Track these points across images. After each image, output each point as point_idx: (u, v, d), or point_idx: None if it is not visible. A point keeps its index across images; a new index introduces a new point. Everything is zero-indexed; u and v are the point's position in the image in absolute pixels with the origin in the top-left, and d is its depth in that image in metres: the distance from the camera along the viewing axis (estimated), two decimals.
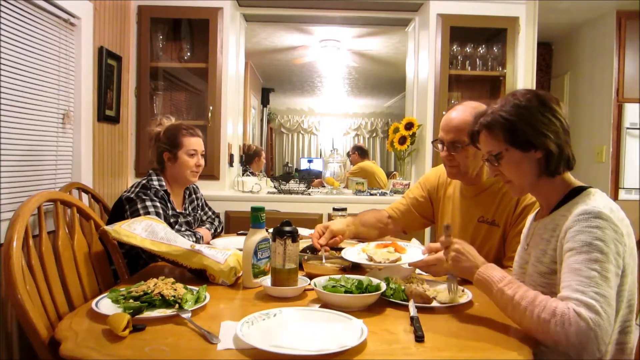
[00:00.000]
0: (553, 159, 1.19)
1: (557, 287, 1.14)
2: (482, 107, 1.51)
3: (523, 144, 1.19)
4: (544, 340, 1.04)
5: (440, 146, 1.70)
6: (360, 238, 1.94)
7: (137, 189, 1.92)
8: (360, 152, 5.43)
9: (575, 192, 1.20)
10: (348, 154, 5.72)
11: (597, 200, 1.15)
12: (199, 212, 2.22)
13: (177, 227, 1.97)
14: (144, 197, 1.88)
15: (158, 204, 1.90)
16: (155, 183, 1.97)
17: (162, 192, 1.96)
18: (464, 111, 1.63)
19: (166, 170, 2.05)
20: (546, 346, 1.06)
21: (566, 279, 1.06)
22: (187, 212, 2.11)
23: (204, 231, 2.08)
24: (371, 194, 3.20)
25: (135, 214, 1.83)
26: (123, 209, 1.87)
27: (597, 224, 1.07)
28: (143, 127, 3.01)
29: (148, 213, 1.83)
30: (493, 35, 3.25)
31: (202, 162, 2.09)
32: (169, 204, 1.98)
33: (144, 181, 1.97)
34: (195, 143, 2.06)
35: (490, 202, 1.66)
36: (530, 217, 1.38)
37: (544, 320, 1.01)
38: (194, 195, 2.21)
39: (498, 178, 1.29)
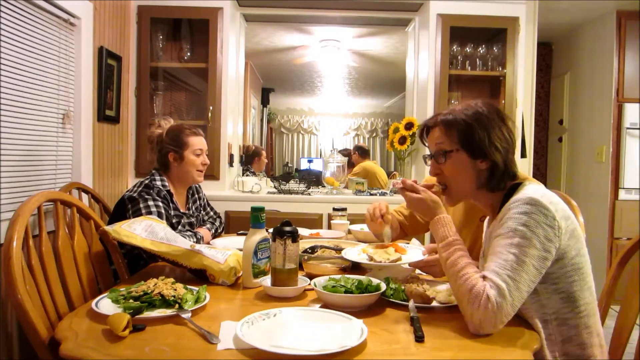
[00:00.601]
0: (497, 174, 1.23)
1: None
2: None
3: (474, 150, 1.23)
4: (459, 306, 1.13)
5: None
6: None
7: (140, 189, 1.92)
8: (360, 152, 5.41)
9: (513, 189, 1.22)
10: (349, 155, 5.68)
11: (529, 188, 1.19)
12: (201, 212, 2.22)
13: (179, 227, 1.97)
14: (146, 196, 1.88)
15: (160, 204, 1.90)
16: (158, 183, 1.97)
17: (165, 192, 1.96)
18: None
19: (171, 170, 2.04)
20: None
21: (489, 260, 1.13)
22: (191, 213, 2.11)
23: (204, 231, 2.08)
24: (371, 194, 3.20)
25: (137, 213, 1.83)
26: (125, 209, 1.87)
27: (524, 210, 1.11)
28: (143, 127, 3.01)
29: (150, 213, 1.83)
30: (493, 35, 3.25)
31: (207, 160, 2.10)
32: (171, 204, 1.98)
33: (146, 181, 1.97)
34: (200, 142, 2.07)
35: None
36: (484, 233, 1.40)
37: (462, 293, 1.10)
38: (196, 195, 2.21)
39: None
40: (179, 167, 2.03)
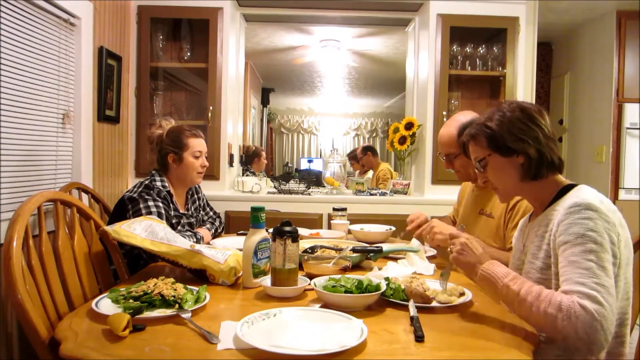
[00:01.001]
0: (533, 163, 1.25)
1: (552, 282, 1.17)
2: (469, 117, 1.77)
3: (504, 150, 1.26)
4: (552, 334, 1.06)
5: (442, 158, 1.95)
6: None
7: (140, 189, 1.92)
8: (373, 153, 5.31)
9: (566, 190, 1.25)
10: (355, 156, 5.61)
11: (587, 193, 1.19)
12: (201, 212, 2.22)
13: (179, 227, 1.98)
14: (146, 196, 1.88)
15: (160, 204, 1.90)
16: (158, 183, 1.97)
17: (165, 192, 1.96)
18: (449, 126, 1.87)
19: (170, 171, 2.04)
20: (555, 340, 1.09)
21: (565, 272, 1.08)
22: (190, 213, 2.11)
23: (204, 231, 2.08)
24: (371, 194, 3.20)
25: (137, 213, 1.83)
26: (125, 209, 1.87)
27: (588, 215, 1.10)
28: (143, 127, 3.01)
29: (150, 213, 1.83)
30: (493, 35, 3.25)
31: (206, 162, 2.10)
32: (171, 205, 1.98)
33: (146, 181, 1.97)
34: (199, 144, 2.07)
35: (489, 197, 1.81)
36: (523, 220, 1.43)
37: (550, 316, 1.02)
38: (196, 196, 2.21)
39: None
40: (178, 168, 2.03)
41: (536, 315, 1.05)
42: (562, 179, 1.30)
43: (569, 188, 1.25)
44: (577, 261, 1.07)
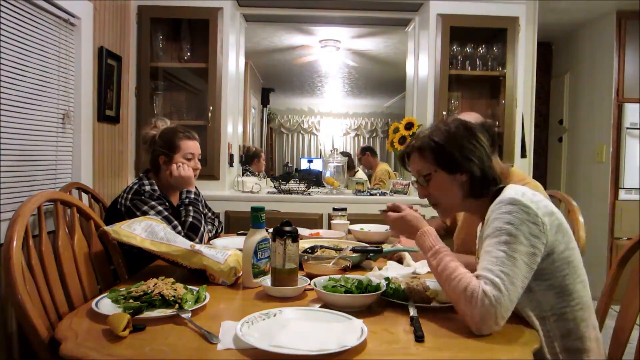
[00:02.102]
0: (476, 183, 1.29)
1: None
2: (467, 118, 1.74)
3: (450, 167, 1.29)
4: (457, 309, 1.14)
5: None
6: None
7: (130, 195, 1.90)
8: (372, 153, 5.32)
9: (498, 193, 1.27)
10: (348, 155, 5.62)
11: (509, 189, 1.23)
12: None
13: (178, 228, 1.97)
14: (143, 207, 1.87)
15: (160, 208, 1.88)
16: (147, 187, 1.95)
17: (157, 194, 1.94)
18: None
19: (161, 173, 2.02)
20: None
21: (481, 261, 1.16)
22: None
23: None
24: (371, 194, 3.20)
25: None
26: (122, 219, 1.85)
27: (506, 210, 1.15)
28: (143, 127, 3.00)
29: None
30: (493, 35, 3.25)
31: (199, 165, 2.06)
32: (167, 203, 1.97)
33: (135, 186, 1.94)
34: (192, 146, 2.03)
35: None
36: (477, 240, 1.45)
37: (456, 295, 1.11)
38: None
39: None
40: (168, 170, 2.00)
41: (447, 290, 1.16)
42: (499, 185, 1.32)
43: (499, 191, 1.27)
44: (491, 251, 1.13)
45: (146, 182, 1.97)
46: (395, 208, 1.40)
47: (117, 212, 1.90)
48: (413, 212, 1.36)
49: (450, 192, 1.31)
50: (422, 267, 1.67)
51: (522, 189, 1.22)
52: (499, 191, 1.27)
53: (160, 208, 1.88)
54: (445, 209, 1.39)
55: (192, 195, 2.01)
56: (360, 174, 5.13)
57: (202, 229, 1.94)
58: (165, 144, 2.00)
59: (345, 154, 5.98)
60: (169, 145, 2.00)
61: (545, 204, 1.19)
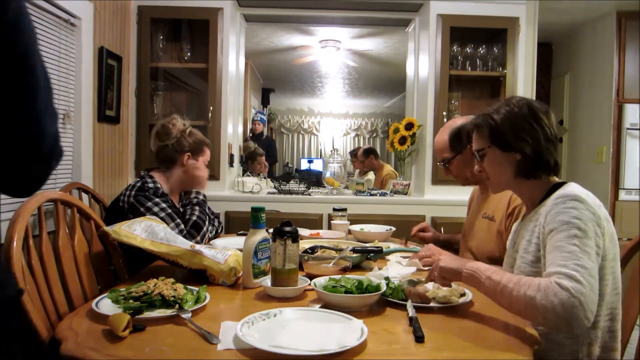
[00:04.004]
0: (528, 163, 1.28)
1: (544, 273, 1.18)
2: (459, 122, 1.85)
3: (503, 144, 1.30)
4: (534, 319, 1.07)
5: (440, 164, 2.02)
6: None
7: (134, 192, 1.89)
8: (375, 156, 5.26)
9: (555, 188, 1.27)
10: (356, 154, 5.57)
11: (574, 187, 1.23)
12: None
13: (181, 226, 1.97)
14: (147, 203, 1.86)
15: (161, 202, 1.89)
16: (151, 185, 1.95)
17: (161, 192, 1.94)
18: (442, 132, 1.93)
19: (174, 169, 2.01)
20: (539, 326, 1.12)
21: (550, 257, 1.12)
22: (183, 210, 2.10)
23: None
24: (371, 194, 3.20)
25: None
26: (125, 217, 1.84)
27: (573, 205, 1.14)
28: (143, 127, 3.01)
29: (155, 214, 1.82)
30: (493, 35, 3.25)
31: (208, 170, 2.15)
32: (170, 201, 1.97)
33: (138, 184, 1.94)
34: (209, 156, 2.12)
35: (492, 201, 1.82)
36: (517, 223, 1.46)
37: (530, 298, 1.04)
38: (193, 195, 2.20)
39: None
40: (187, 167, 2.01)
41: (517, 300, 1.06)
42: (555, 179, 1.32)
43: (558, 186, 1.28)
44: (561, 246, 1.10)
45: (149, 180, 1.97)
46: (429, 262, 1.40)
47: (119, 209, 1.88)
48: (445, 257, 1.33)
49: (501, 169, 1.32)
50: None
51: (586, 191, 1.21)
52: (556, 185, 1.27)
53: (164, 205, 1.89)
54: (495, 185, 1.40)
55: (201, 197, 2.11)
56: (371, 175, 5.08)
57: (204, 229, 1.97)
58: (194, 143, 2.04)
59: (354, 152, 5.96)
60: (198, 147, 2.04)
61: (604, 210, 1.19)
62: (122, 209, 1.88)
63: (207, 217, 2.05)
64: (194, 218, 1.98)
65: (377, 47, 5.26)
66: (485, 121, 1.33)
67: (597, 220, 1.13)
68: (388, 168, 5.01)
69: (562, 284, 1.02)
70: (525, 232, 1.31)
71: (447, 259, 1.29)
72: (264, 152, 4.69)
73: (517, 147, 1.28)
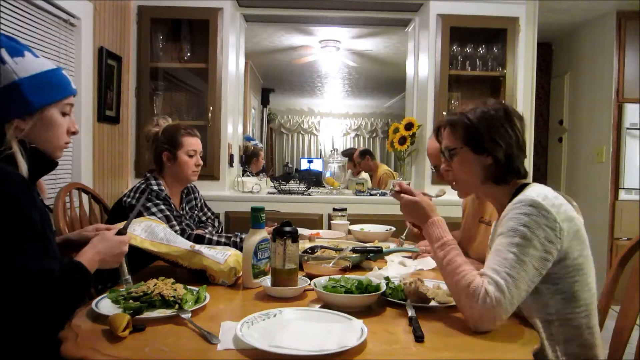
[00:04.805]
0: (500, 168, 1.27)
1: None
2: None
3: (476, 146, 1.28)
4: (456, 304, 1.15)
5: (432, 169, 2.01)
6: None
7: (137, 194, 1.91)
8: (371, 156, 5.27)
9: (520, 189, 1.26)
10: (351, 154, 5.58)
11: (532, 189, 1.22)
12: (198, 212, 2.22)
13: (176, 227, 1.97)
14: (147, 204, 1.87)
15: (163, 206, 1.89)
16: (155, 187, 1.96)
17: (164, 195, 1.95)
18: (433, 139, 1.82)
19: (165, 170, 2.04)
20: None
21: (488, 259, 1.16)
22: (184, 213, 2.10)
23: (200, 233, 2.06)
24: (371, 194, 3.20)
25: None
26: (126, 218, 1.85)
27: (525, 211, 1.14)
28: (143, 127, 3.00)
29: (152, 214, 1.83)
30: (493, 35, 3.25)
31: (200, 161, 2.09)
32: (172, 205, 1.97)
33: (143, 186, 1.96)
34: (194, 143, 2.06)
35: (489, 205, 1.78)
36: (493, 226, 1.44)
37: (459, 289, 1.12)
38: (191, 195, 2.20)
39: None
40: (173, 167, 2.02)
41: (449, 284, 1.17)
42: (521, 180, 1.31)
43: (522, 188, 1.26)
44: (500, 250, 1.13)
45: (154, 182, 1.98)
46: (407, 191, 1.36)
47: (123, 210, 1.91)
48: (426, 199, 1.33)
49: (471, 171, 1.30)
50: (422, 264, 1.67)
51: (545, 191, 1.20)
52: (522, 187, 1.26)
53: (162, 207, 1.90)
54: (464, 188, 1.38)
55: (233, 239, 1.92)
56: (364, 175, 5.11)
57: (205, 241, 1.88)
58: (168, 140, 2.02)
59: (347, 152, 5.97)
60: (171, 141, 2.02)
61: (565, 209, 1.18)
62: (124, 210, 1.89)
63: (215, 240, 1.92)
64: (205, 234, 1.89)
65: (377, 47, 5.26)
66: (460, 120, 1.30)
67: (552, 224, 1.12)
68: (384, 168, 5.03)
69: (488, 290, 1.07)
70: (494, 237, 1.29)
71: (425, 203, 1.31)
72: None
73: (490, 150, 1.26)
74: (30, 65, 1.17)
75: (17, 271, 1.02)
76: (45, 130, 1.21)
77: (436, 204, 1.36)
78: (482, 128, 1.26)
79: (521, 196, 1.18)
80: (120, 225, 1.39)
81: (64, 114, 1.27)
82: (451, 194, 2.63)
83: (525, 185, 1.27)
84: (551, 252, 1.12)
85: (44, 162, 1.23)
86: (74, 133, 1.30)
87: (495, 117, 1.26)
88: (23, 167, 1.12)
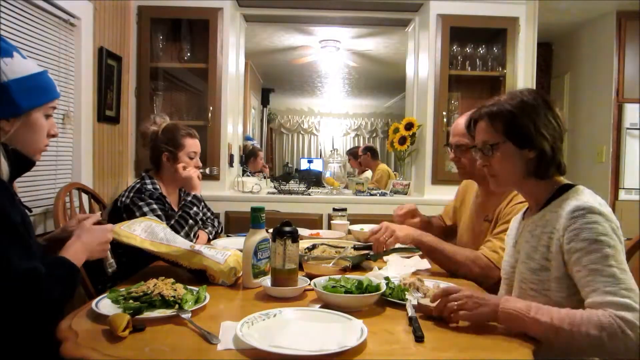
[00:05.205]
0: (545, 161, 1.20)
1: (549, 283, 1.15)
2: None
3: (521, 140, 1.20)
4: (600, 355, 1.05)
5: (449, 149, 1.85)
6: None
7: (132, 194, 1.91)
8: (372, 154, 5.28)
9: (563, 190, 1.21)
10: (355, 153, 5.60)
11: (587, 195, 1.16)
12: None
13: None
14: (139, 202, 1.87)
15: (155, 206, 1.89)
16: (149, 186, 1.95)
17: (158, 194, 1.95)
18: (464, 117, 1.74)
19: (163, 170, 2.03)
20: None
21: (589, 282, 1.06)
22: None
23: (200, 233, 2.06)
24: (371, 194, 3.20)
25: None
26: (121, 218, 1.85)
27: (594, 219, 1.09)
28: (141, 123, 3.00)
29: (144, 214, 1.83)
30: (493, 35, 3.25)
31: (200, 163, 2.09)
32: (166, 204, 1.97)
33: (137, 185, 1.95)
34: (195, 145, 2.05)
35: (493, 203, 1.75)
36: (517, 217, 1.39)
37: (594, 337, 1.00)
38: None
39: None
40: (172, 167, 2.01)
41: (579, 341, 1.01)
42: (560, 178, 1.26)
43: (565, 188, 1.21)
44: (599, 269, 1.05)
45: (148, 181, 1.98)
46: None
47: (117, 210, 1.91)
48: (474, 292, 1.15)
49: (513, 167, 1.21)
50: (422, 264, 1.67)
51: (597, 198, 1.15)
52: (564, 188, 1.20)
53: (155, 206, 1.89)
54: (501, 183, 1.28)
55: (189, 198, 1.97)
56: (366, 174, 5.13)
57: (183, 231, 1.87)
58: (169, 141, 2.01)
59: (352, 150, 5.99)
60: (172, 142, 2.01)
61: (615, 217, 1.15)
62: (119, 210, 1.89)
63: (188, 224, 1.91)
64: (172, 223, 1.88)
65: (377, 47, 5.26)
66: (500, 111, 1.20)
67: (617, 230, 1.10)
68: (382, 167, 5.06)
69: (624, 317, 0.99)
70: (529, 236, 1.24)
71: (474, 296, 1.11)
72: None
73: (535, 143, 1.17)
74: (18, 67, 1.17)
75: (3, 273, 1.02)
76: (28, 133, 1.20)
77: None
78: (527, 120, 1.18)
79: (577, 202, 1.12)
80: (97, 215, 1.40)
81: (47, 117, 1.25)
82: (450, 194, 2.62)
83: (568, 186, 1.21)
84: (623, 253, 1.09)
85: (23, 163, 1.23)
86: (53, 136, 1.29)
87: (535, 106, 1.18)
88: (4, 168, 1.13)
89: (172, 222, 1.87)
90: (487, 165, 1.27)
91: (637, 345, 0.98)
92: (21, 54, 1.20)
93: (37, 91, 1.20)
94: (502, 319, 1.08)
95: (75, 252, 1.20)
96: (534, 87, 3.27)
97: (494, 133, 1.23)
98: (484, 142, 1.25)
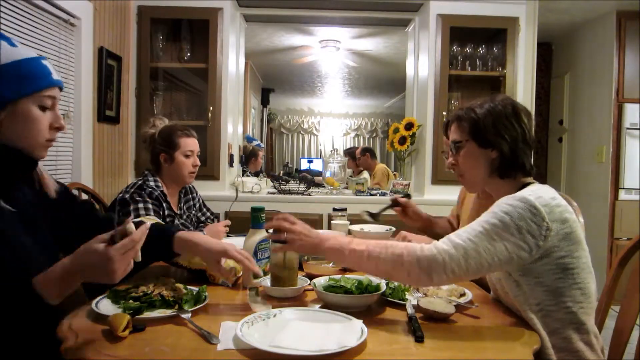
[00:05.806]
0: (504, 162, 1.28)
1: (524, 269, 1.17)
2: None
3: (481, 140, 1.29)
4: (399, 275, 1.14)
5: (445, 157, 1.85)
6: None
7: (132, 190, 1.91)
8: (371, 155, 5.30)
9: (523, 187, 1.25)
10: (353, 153, 5.61)
11: (529, 188, 1.21)
12: (196, 213, 2.22)
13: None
14: (137, 198, 1.88)
15: (150, 206, 1.89)
16: (152, 184, 1.96)
17: (158, 192, 1.95)
18: None
19: (162, 171, 2.04)
20: (401, 282, 1.23)
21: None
22: (182, 213, 2.10)
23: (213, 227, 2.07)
24: (371, 194, 3.20)
25: (126, 216, 1.81)
26: (115, 211, 1.86)
27: (511, 203, 1.14)
28: (142, 126, 3.01)
29: (139, 215, 1.83)
30: (493, 35, 3.25)
31: (198, 162, 2.09)
32: (164, 204, 1.97)
33: (140, 182, 1.96)
34: (191, 144, 2.05)
35: (493, 203, 1.71)
36: None
37: (398, 255, 1.11)
38: (189, 195, 2.20)
39: None
40: (170, 167, 2.02)
41: (384, 261, 1.12)
42: (528, 179, 1.30)
43: (525, 186, 1.25)
44: (471, 225, 1.14)
45: (151, 178, 1.99)
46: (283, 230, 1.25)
47: (113, 204, 1.92)
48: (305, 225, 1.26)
49: (477, 165, 1.31)
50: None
51: (541, 191, 1.18)
52: (525, 185, 1.25)
53: (149, 206, 1.89)
54: (470, 182, 1.38)
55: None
56: (365, 174, 5.14)
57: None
58: (164, 141, 2.02)
59: (349, 150, 5.99)
60: (168, 142, 2.02)
61: (561, 210, 1.16)
62: (114, 203, 1.90)
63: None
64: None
65: (377, 47, 5.26)
66: (467, 114, 1.31)
67: (538, 220, 1.11)
68: (380, 167, 5.07)
69: (437, 244, 1.09)
70: None
71: (305, 228, 1.24)
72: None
73: (495, 144, 1.27)
74: (4, 54, 1.04)
75: None
76: (19, 126, 1.07)
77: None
78: (487, 122, 1.27)
79: (518, 192, 1.18)
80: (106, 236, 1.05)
81: (43, 108, 1.10)
82: (450, 194, 2.62)
83: (529, 184, 1.27)
84: (529, 244, 1.10)
85: (18, 160, 1.11)
86: (58, 129, 1.14)
87: (502, 112, 1.28)
88: None
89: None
90: (455, 164, 1.37)
91: (425, 265, 1.08)
92: (10, 42, 1.08)
93: (24, 78, 1.06)
94: (328, 254, 1.22)
95: (58, 279, 1.00)
96: (534, 87, 3.30)
97: (460, 133, 1.33)
98: (453, 140, 1.36)
